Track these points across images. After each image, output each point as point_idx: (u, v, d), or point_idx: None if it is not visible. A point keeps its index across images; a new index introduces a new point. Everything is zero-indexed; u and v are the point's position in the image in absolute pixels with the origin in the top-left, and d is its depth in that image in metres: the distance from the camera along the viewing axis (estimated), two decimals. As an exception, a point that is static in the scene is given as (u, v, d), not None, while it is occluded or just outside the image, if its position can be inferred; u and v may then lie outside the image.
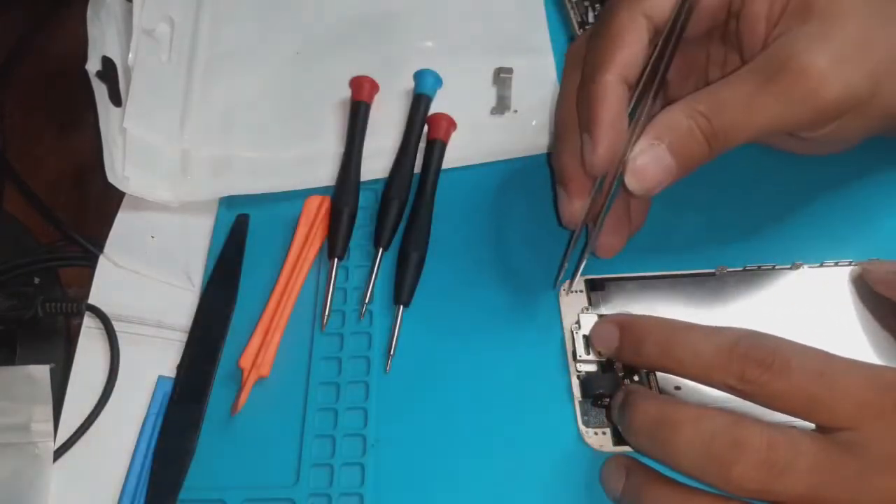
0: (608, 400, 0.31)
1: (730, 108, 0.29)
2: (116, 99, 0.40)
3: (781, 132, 0.30)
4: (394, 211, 0.37)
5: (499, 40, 0.44)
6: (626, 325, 0.30)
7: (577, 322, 0.34)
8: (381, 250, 0.37)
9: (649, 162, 0.29)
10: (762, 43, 0.31)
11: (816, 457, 0.24)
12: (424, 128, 0.40)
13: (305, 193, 0.39)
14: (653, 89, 0.30)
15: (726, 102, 0.29)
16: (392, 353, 0.34)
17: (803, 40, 0.29)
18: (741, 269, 0.35)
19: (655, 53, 0.30)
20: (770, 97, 0.29)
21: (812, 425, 0.26)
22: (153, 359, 0.35)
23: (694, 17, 0.30)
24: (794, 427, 0.25)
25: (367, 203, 0.39)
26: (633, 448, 0.29)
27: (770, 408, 0.26)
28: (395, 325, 0.34)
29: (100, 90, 0.40)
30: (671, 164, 0.29)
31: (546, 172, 0.38)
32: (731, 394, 0.26)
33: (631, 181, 0.29)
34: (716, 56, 0.35)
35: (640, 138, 0.29)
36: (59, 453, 0.34)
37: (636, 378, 0.32)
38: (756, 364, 0.25)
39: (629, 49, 0.30)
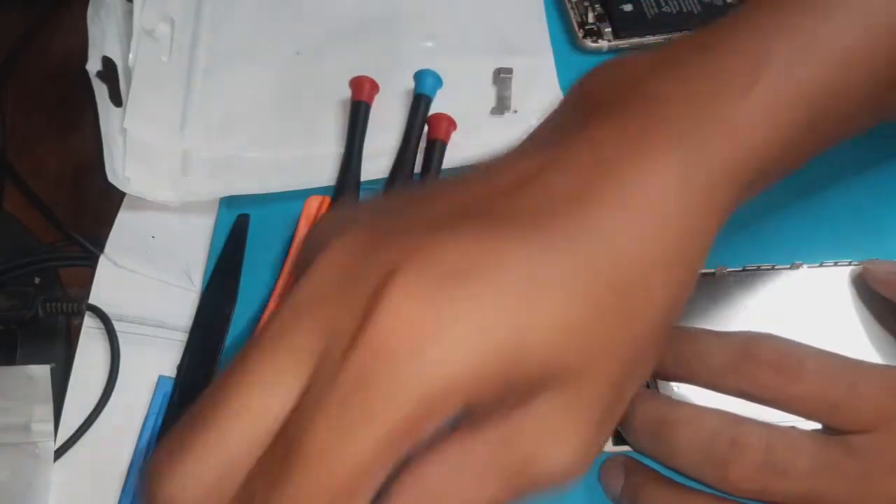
0: (608, 400, 0.31)
1: None
2: (117, 99, 0.40)
3: None
4: (394, 211, 0.37)
5: (499, 40, 0.44)
6: None
7: (577, 322, 0.34)
8: (380, 250, 0.36)
9: None
10: None
11: (816, 458, 0.24)
12: (424, 128, 0.40)
13: (305, 193, 0.39)
14: None
15: None
16: (392, 353, 0.34)
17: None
18: (741, 269, 0.35)
19: None
20: None
21: (816, 425, 0.26)
22: (153, 359, 0.35)
23: None
24: (794, 427, 0.25)
25: (367, 203, 0.39)
26: (632, 448, 0.29)
27: (787, 412, 0.25)
28: (394, 325, 0.34)
29: (100, 90, 0.40)
30: None
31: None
32: (746, 400, 0.26)
33: None
34: None
35: None
36: (59, 453, 0.33)
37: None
38: (769, 368, 0.25)
39: None
